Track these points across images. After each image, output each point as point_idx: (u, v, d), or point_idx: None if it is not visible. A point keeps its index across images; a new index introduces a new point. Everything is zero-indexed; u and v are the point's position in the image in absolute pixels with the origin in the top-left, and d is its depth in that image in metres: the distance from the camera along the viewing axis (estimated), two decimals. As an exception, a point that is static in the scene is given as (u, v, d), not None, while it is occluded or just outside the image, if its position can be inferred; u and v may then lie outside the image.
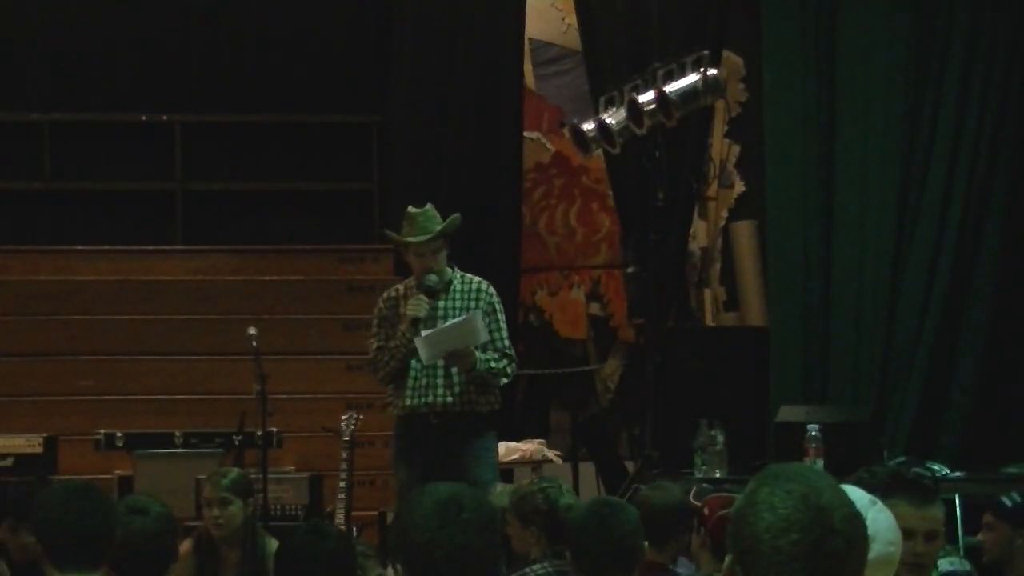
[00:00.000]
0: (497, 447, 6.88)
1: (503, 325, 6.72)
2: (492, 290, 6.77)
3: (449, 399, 6.57)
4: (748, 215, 10.04)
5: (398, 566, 2.56)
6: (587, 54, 9.52)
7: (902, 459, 7.09)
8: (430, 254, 6.59)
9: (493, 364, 6.57)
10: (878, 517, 2.62)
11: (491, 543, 2.54)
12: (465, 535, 2.49)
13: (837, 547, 2.04)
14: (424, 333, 6.44)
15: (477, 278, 6.80)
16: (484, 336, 6.54)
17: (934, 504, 3.85)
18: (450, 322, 6.52)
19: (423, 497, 2.57)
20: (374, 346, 6.74)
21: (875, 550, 2.59)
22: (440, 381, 6.60)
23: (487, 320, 6.64)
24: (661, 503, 4.95)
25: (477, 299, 6.68)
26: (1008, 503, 5.67)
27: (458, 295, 6.69)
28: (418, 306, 6.51)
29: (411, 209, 6.68)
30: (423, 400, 6.58)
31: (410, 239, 6.59)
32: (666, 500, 5.00)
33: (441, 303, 6.66)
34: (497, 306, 6.73)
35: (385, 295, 6.87)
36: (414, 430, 6.62)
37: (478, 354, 6.51)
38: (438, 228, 6.56)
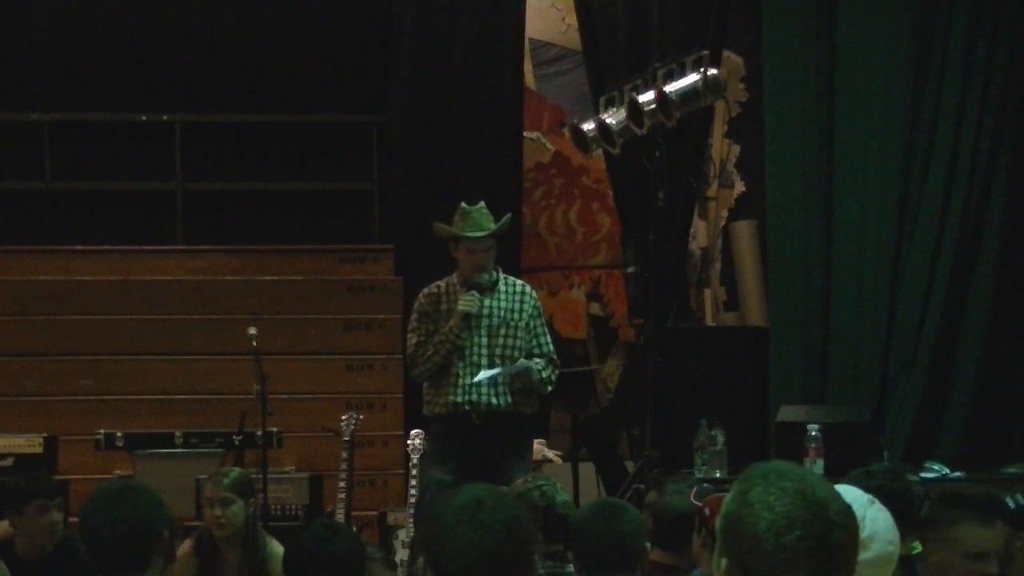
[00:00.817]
0: (532, 450, 6.91)
1: (546, 329, 6.77)
2: (534, 293, 6.86)
3: (494, 400, 6.58)
4: (748, 215, 10.04)
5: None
6: (587, 54, 9.51)
7: (886, 464, 6.99)
8: (483, 251, 6.59)
9: (544, 374, 6.63)
10: (877, 516, 2.63)
11: (510, 544, 2.51)
12: (481, 535, 2.48)
13: (839, 539, 2.05)
14: (488, 373, 6.51)
15: (520, 281, 6.89)
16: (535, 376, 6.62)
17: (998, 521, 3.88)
18: (510, 371, 6.60)
19: (452, 497, 2.57)
20: (414, 341, 6.70)
21: (874, 549, 2.59)
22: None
23: (532, 324, 6.70)
24: (682, 508, 4.92)
25: (522, 301, 6.71)
26: (1011, 504, 5.66)
27: (503, 296, 6.69)
28: (471, 302, 6.51)
29: (464, 205, 6.66)
30: (467, 398, 6.56)
31: (468, 234, 6.57)
32: (686, 505, 4.97)
33: (487, 302, 6.65)
34: (540, 309, 6.83)
35: (426, 291, 6.83)
36: (455, 430, 6.60)
37: (533, 367, 6.59)
38: (494, 227, 6.57)
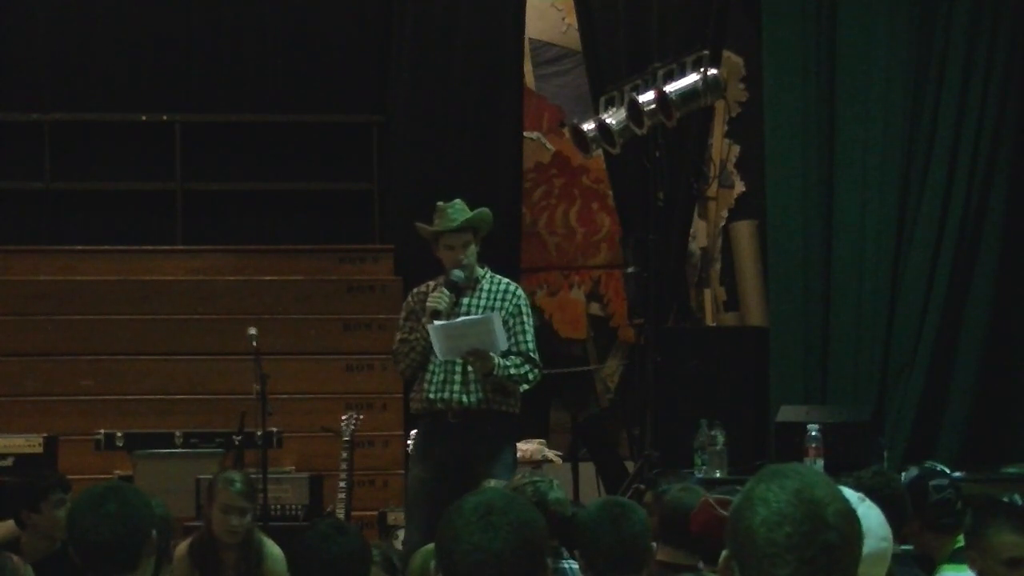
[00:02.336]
0: (515, 449, 6.83)
1: (528, 328, 6.63)
2: (521, 292, 6.71)
3: (465, 398, 6.51)
4: (748, 215, 10.04)
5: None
6: (587, 54, 9.52)
7: (875, 467, 6.83)
8: (460, 247, 6.53)
9: (513, 371, 6.49)
10: (868, 514, 2.65)
11: (521, 546, 2.51)
12: (491, 537, 2.48)
13: (830, 540, 2.07)
14: (438, 323, 6.40)
15: (507, 280, 6.75)
16: (503, 344, 6.44)
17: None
18: (465, 318, 6.46)
19: (463, 502, 2.56)
20: (398, 338, 6.70)
21: (867, 546, 2.61)
22: (457, 379, 6.52)
23: (512, 322, 6.56)
24: (690, 504, 4.91)
25: (503, 299, 6.61)
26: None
27: (484, 294, 6.63)
28: (439, 299, 6.47)
29: (440, 203, 6.65)
30: (439, 395, 6.52)
31: (439, 228, 6.56)
32: (693, 502, 4.97)
33: (466, 300, 6.59)
34: (524, 308, 6.66)
35: (415, 289, 6.79)
36: (436, 430, 6.57)
37: (498, 359, 6.44)
38: (464, 218, 6.54)
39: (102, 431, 8.60)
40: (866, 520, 2.61)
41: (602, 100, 8.71)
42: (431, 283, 6.71)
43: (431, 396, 6.53)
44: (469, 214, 6.54)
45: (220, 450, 8.44)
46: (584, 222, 10.74)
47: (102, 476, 8.21)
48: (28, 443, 8.44)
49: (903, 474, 5.33)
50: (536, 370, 6.59)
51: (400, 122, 10.09)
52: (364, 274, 9.77)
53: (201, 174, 10.24)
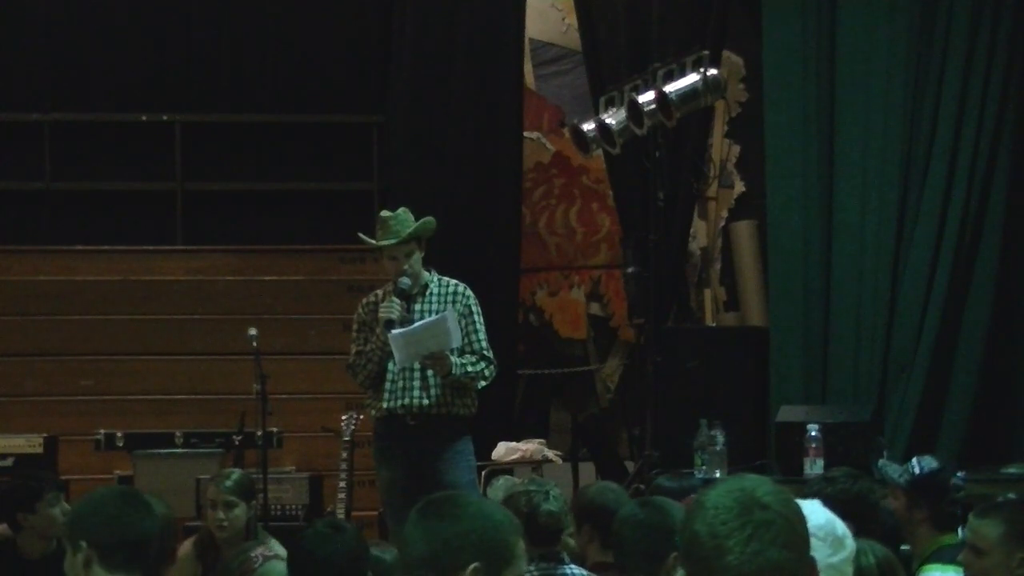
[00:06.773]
0: (473, 449, 6.86)
1: (480, 327, 6.70)
2: (469, 292, 6.75)
3: (425, 401, 6.57)
4: (748, 215, 10.05)
5: None
6: (587, 54, 9.52)
7: (845, 469, 6.77)
8: (403, 257, 6.60)
9: (470, 368, 6.57)
10: (834, 516, 2.75)
11: (442, 550, 2.59)
12: (421, 541, 2.58)
13: (767, 517, 2.11)
14: (396, 331, 6.43)
15: (454, 281, 6.79)
16: (458, 339, 6.53)
17: (984, 519, 4.01)
18: (422, 322, 6.52)
19: (420, 502, 2.66)
20: (353, 351, 6.76)
21: (848, 546, 2.71)
22: (417, 384, 6.60)
23: (463, 322, 6.63)
24: (612, 504, 4.93)
25: (453, 301, 6.66)
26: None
27: (434, 298, 6.69)
28: (391, 308, 6.54)
29: (383, 213, 6.72)
30: (400, 402, 6.59)
31: (381, 243, 6.62)
32: (612, 501, 4.99)
33: (417, 306, 6.66)
34: (474, 308, 6.71)
35: (364, 300, 6.87)
36: (392, 431, 6.63)
37: (454, 359, 6.51)
38: (408, 231, 6.58)
39: (102, 431, 8.61)
40: (841, 523, 2.69)
41: (602, 100, 8.71)
42: (379, 292, 6.81)
43: (392, 404, 6.60)
44: (412, 226, 6.60)
45: (220, 450, 8.45)
46: (584, 222, 10.74)
47: (102, 476, 8.23)
48: (28, 443, 8.45)
49: (918, 460, 5.30)
50: (491, 366, 6.69)
51: (400, 122, 10.08)
52: (364, 274, 9.75)
53: (201, 174, 10.25)
